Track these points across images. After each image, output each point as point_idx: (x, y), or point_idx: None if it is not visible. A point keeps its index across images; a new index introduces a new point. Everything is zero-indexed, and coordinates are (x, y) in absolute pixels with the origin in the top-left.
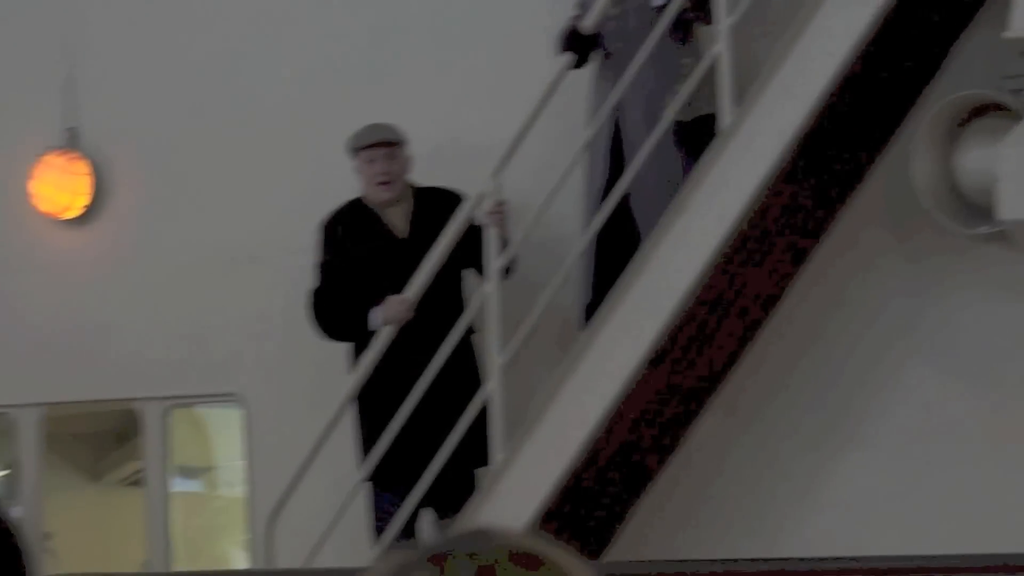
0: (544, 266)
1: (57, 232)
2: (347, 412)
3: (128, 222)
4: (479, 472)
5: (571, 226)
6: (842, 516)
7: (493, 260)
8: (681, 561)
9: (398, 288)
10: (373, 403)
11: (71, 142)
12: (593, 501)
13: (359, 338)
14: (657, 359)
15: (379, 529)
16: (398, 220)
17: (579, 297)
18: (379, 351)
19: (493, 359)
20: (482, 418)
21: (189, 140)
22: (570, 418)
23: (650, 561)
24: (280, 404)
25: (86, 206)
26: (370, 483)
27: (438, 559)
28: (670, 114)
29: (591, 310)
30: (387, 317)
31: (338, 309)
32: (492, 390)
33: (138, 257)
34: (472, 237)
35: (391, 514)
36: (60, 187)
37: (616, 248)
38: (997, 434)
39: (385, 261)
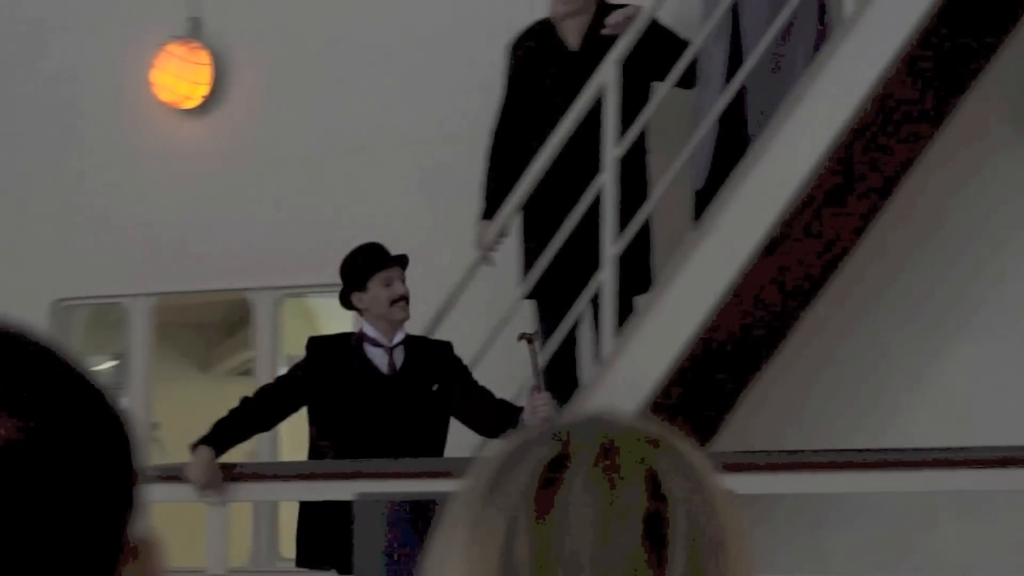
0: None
1: (176, 122)
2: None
3: (247, 112)
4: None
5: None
6: (952, 407)
7: (610, 149)
8: (791, 452)
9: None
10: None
11: (193, 32)
12: (702, 389)
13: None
14: (772, 246)
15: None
16: (572, 35)
17: (692, 184)
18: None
19: (607, 248)
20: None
21: (308, 31)
22: (682, 307)
23: (762, 451)
24: None
25: (206, 96)
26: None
27: (560, 435)
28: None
29: (704, 197)
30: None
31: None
32: (604, 280)
33: (255, 148)
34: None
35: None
36: (181, 77)
37: (729, 140)
38: None
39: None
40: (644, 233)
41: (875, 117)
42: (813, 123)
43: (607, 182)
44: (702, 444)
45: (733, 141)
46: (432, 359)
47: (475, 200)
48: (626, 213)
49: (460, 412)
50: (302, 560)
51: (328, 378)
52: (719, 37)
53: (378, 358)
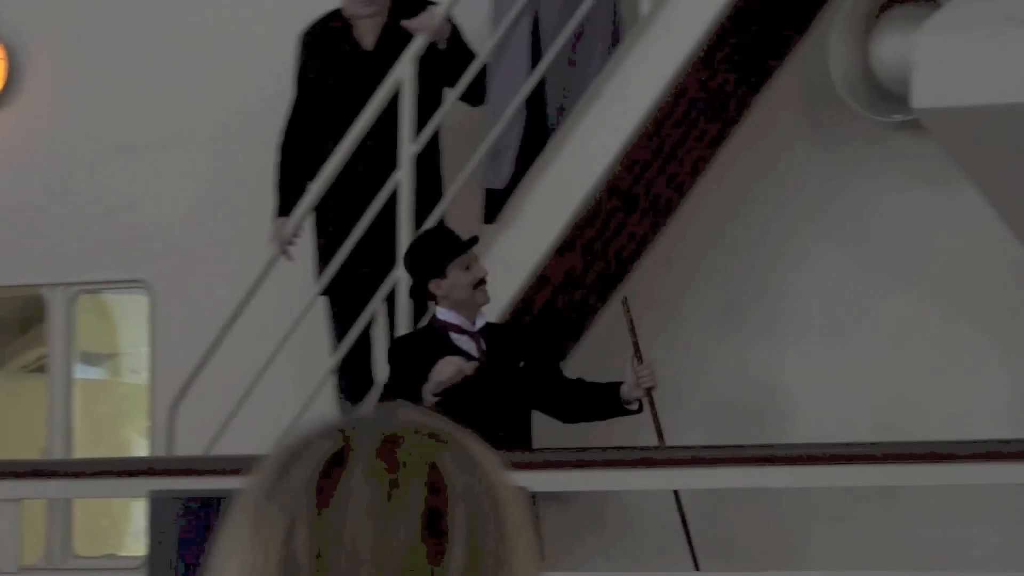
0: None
1: None
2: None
3: (41, 107)
4: None
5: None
6: (752, 402)
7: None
8: (582, 449)
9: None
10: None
11: None
12: None
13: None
14: (567, 244)
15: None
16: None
17: (488, 182)
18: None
19: (403, 246)
20: None
21: (102, 28)
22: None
23: (555, 449)
24: (186, 291)
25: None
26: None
27: (343, 430)
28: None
29: (502, 195)
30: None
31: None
32: (399, 277)
33: (49, 142)
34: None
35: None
36: None
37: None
38: (904, 320)
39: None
40: None
41: (671, 112)
42: (611, 119)
43: (403, 180)
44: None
45: (537, 139)
46: (513, 341)
47: (267, 197)
48: (420, 211)
49: (544, 395)
50: None
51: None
52: (519, 37)
53: (465, 344)
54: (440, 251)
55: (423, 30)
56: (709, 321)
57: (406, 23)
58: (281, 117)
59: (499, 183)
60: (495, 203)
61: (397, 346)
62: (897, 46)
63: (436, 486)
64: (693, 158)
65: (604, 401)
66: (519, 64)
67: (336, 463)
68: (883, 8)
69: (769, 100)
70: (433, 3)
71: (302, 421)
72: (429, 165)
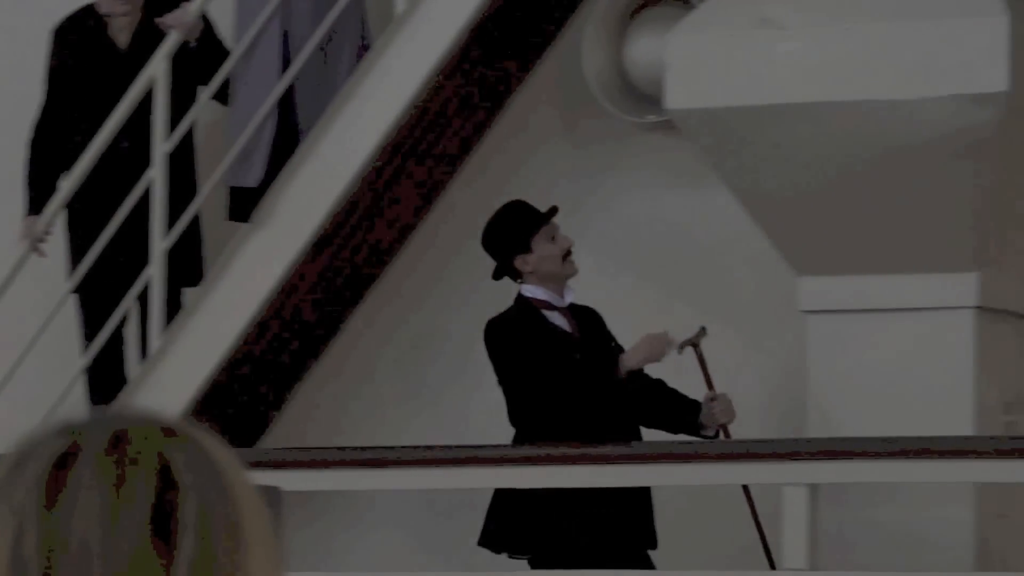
0: None
1: None
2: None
3: None
4: None
5: None
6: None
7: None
8: (326, 448)
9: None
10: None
11: None
12: (253, 386)
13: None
14: (322, 243)
15: None
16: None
17: (239, 180)
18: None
19: (156, 243)
20: None
21: None
22: (231, 302)
23: (296, 448)
24: None
25: None
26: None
27: (73, 429)
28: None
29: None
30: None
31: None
32: (153, 275)
33: None
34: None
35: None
36: None
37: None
38: (654, 318)
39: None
40: (194, 227)
41: (426, 112)
42: (363, 120)
43: (156, 178)
44: (253, 440)
45: (288, 140)
46: (596, 319)
47: (16, 194)
48: (174, 210)
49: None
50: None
51: (529, 355)
52: (269, 37)
53: (558, 321)
54: (523, 224)
55: (176, 27)
56: (459, 319)
57: (159, 20)
58: (29, 112)
59: (251, 181)
60: (241, 201)
61: (495, 331)
62: (651, 47)
63: (166, 482)
64: (449, 156)
65: (681, 416)
66: (270, 65)
67: (64, 462)
68: (638, 8)
69: (525, 98)
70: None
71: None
72: (182, 163)
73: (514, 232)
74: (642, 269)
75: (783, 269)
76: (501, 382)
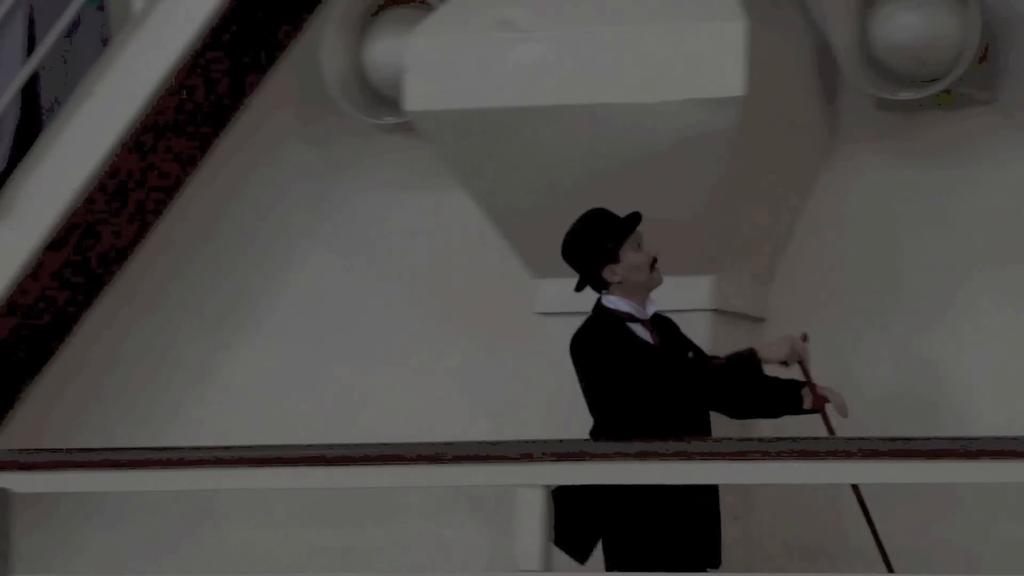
0: None
1: None
2: None
3: None
4: None
5: None
6: (238, 403)
7: None
8: (55, 451)
9: None
10: None
11: None
12: None
13: None
14: (59, 241)
15: None
16: None
17: None
18: None
19: None
20: None
21: None
22: None
23: (24, 450)
24: None
25: None
26: None
27: None
28: None
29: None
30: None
31: None
32: None
33: None
34: None
35: None
36: None
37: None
38: (390, 321)
39: None
40: None
41: (161, 113)
42: (102, 117)
43: None
44: None
45: (32, 128)
46: (674, 329)
47: None
48: None
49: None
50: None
51: (616, 367)
52: (14, 25)
53: (641, 332)
54: (609, 234)
55: None
56: (196, 319)
57: None
58: None
59: None
60: None
61: (582, 343)
62: (391, 48)
63: None
64: (185, 157)
65: (783, 398)
66: (14, 52)
67: None
68: (379, 9)
69: (264, 98)
70: None
71: None
72: None
73: (602, 242)
74: (379, 270)
75: (520, 272)
76: (589, 393)
